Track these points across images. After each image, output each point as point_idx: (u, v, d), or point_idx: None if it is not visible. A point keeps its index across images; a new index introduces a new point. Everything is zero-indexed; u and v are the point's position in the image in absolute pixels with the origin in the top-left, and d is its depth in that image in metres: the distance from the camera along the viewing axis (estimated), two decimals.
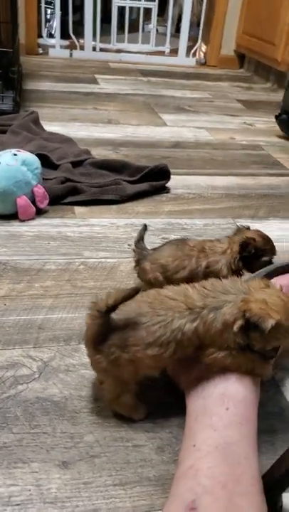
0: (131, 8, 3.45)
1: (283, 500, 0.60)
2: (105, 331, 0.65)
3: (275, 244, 1.18)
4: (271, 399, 0.76)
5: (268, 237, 0.95)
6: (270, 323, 0.60)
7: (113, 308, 0.64)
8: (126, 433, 0.67)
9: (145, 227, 0.97)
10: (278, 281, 0.78)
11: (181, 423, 0.69)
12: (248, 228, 0.97)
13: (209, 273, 0.91)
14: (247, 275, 0.89)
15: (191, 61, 3.41)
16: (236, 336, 0.63)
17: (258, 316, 0.61)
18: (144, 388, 0.74)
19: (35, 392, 0.72)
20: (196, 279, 0.91)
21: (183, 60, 3.38)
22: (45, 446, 0.64)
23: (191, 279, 0.92)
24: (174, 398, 0.73)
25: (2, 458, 0.62)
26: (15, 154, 1.17)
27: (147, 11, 3.36)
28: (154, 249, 0.94)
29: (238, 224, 1.01)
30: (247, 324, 0.62)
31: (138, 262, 0.93)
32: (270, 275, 0.79)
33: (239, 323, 0.62)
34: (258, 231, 0.96)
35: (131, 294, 0.65)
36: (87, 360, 0.78)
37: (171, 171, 1.47)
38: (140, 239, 0.94)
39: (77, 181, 1.33)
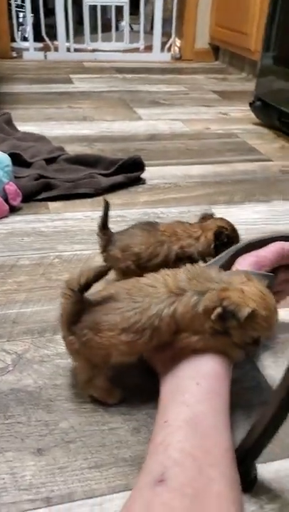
0: (105, 8, 3.46)
1: (259, 470, 0.61)
2: (79, 310, 0.65)
3: (251, 227, 1.19)
4: (247, 375, 0.76)
5: (233, 225, 0.96)
6: (246, 311, 0.60)
7: (86, 287, 0.65)
8: (102, 417, 0.67)
9: (107, 207, 0.90)
10: (246, 258, 0.78)
11: (157, 405, 0.69)
12: (211, 215, 0.97)
13: (181, 256, 0.91)
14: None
15: (166, 56, 3.42)
16: (214, 323, 0.63)
17: (234, 304, 0.61)
18: (121, 372, 0.74)
19: (9, 384, 0.72)
20: (169, 263, 0.91)
21: (158, 56, 3.39)
22: (20, 435, 0.64)
23: (164, 265, 0.93)
24: (150, 381, 0.73)
25: None
26: None
27: (121, 10, 3.36)
28: (120, 234, 0.93)
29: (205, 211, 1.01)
30: (224, 312, 0.62)
31: (105, 248, 0.92)
32: (238, 253, 0.79)
33: (218, 310, 0.62)
34: (224, 219, 0.96)
35: (102, 272, 0.66)
36: (62, 350, 0.78)
37: (147, 162, 1.47)
38: (104, 223, 0.91)
39: (50, 177, 1.33)
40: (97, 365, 0.66)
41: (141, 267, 0.90)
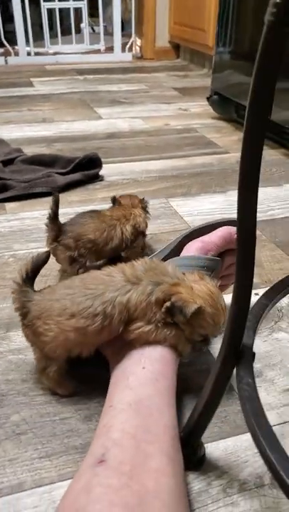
0: (64, 11, 3.45)
1: (208, 449, 0.62)
2: (26, 302, 0.65)
3: (207, 217, 1.21)
4: (199, 358, 0.77)
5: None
6: (192, 307, 0.61)
7: (30, 277, 0.66)
8: (53, 408, 0.68)
9: (57, 199, 0.90)
10: (193, 243, 0.80)
11: None
12: (115, 196, 1.02)
13: (136, 234, 0.97)
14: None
15: (128, 56, 3.43)
16: (164, 315, 0.63)
17: (182, 300, 0.62)
18: (73, 361, 0.75)
19: None
20: (126, 244, 0.96)
21: (119, 56, 3.40)
22: None
23: (120, 247, 0.96)
24: (102, 370, 0.73)
25: None
26: None
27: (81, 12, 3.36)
28: (69, 224, 0.94)
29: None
30: (172, 307, 0.62)
31: (55, 239, 0.92)
32: (186, 239, 0.81)
33: (166, 304, 0.62)
34: (131, 195, 1.05)
35: (42, 258, 0.68)
36: (14, 346, 0.79)
37: (106, 160, 1.48)
38: (55, 215, 0.91)
39: (7, 179, 1.33)
40: (50, 355, 0.66)
41: (97, 252, 0.94)
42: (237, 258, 0.44)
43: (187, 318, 0.62)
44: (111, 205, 1.02)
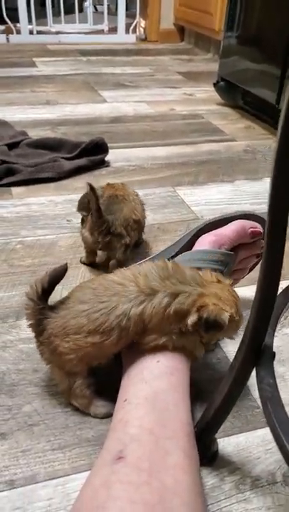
0: None
1: (221, 444, 0.62)
2: (42, 319, 0.62)
3: (215, 207, 1.20)
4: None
5: None
6: (226, 320, 0.59)
7: (45, 293, 0.62)
8: (65, 400, 0.68)
9: (94, 190, 0.87)
10: (206, 237, 0.79)
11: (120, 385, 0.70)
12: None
13: None
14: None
15: (131, 38, 3.38)
16: (192, 328, 0.61)
17: (213, 313, 0.59)
18: None
19: None
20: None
21: (123, 38, 3.35)
22: None
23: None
24: (114, 362, 0.73)
25: None
26: None
27: None
28: (106, 212, 0.90)
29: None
30: (206, 323, 0.60)
31: (108, 231, 0.89)
32: (199, 232, 0.80)
33: (193, 319, 0.60)
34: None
35: (59, 272, 0.63)
36: (25, 335, 0.78)
37: (111, 145, 1.46)
38: (100, 208, 0.88)
39: (13, 162, 1.31)
40: (71, 372, 0.64)
41: (140, 229, 0.98)
42: (264, 257, 0.44)
43: (223, 329, 0.60)
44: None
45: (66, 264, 0.65)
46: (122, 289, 0.62)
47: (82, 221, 1.00)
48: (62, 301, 0.64)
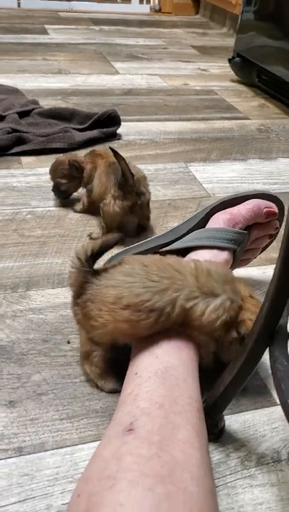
0: None
1: (227, 421, 0.63)
2: (84, 282, 0.61)
3: (227, 185, 1.19)
4: None
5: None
6: None
7: (93, 258, 0.61)
8: (74, 371, 0.68)
9: (123, 159, 0.89)
10: (220, 215, 0.78)
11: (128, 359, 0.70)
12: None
13: None
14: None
15: (145, 8, 3.30)
16: (230, 340, 0.61)
17: (250, 330, 0.57)
18: None
19: None
20: None
21: (136, 8, 3.28)
22: None
23: None
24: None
25: None
26: None
27: None
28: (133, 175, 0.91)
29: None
30: (238, 334, 0.60)
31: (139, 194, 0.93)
32: (213, 211, 0.79)
33: (235, 335, 0.60)
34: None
35: (113, 241, 0.62)
36: (34, 305, 0.78)
37: (123, 118, 1.44)
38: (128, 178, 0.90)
39: (24, 131, 1.30)
40: (95, 341, 0.63)
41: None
42: (284, 236, 0.43)
43: None
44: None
45: (120, 234, 0.64)
46: (179, 276, 0.59)
47: (61, 192, 1.04)
48: (107, 270, 0.62)
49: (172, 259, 0.63)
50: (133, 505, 0.42)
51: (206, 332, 0.60)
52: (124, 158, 0.88)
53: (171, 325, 0.59)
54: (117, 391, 0.64)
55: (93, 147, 1.32)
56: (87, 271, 0.61)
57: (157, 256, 0.64)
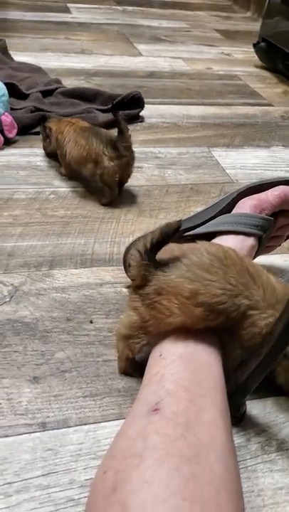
0: None
1: (248, 406, 0.63)
2: (148, 276, 0.58)
3: (250, 172, 1.18)
4: None
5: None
6: None
7: (154, 250, 0.59)
8: (96, 350, 0.69)
9: (121, 117, 0.97)
10: (247, 201, 0.78)
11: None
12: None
13: None
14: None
15: None
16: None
17: None
18: (117, 309, 0.75)
19: (5, 314, 0.72)
20: None
21: None
22: (16, 363, 0.65)
23: None
24: None
25: None
26: None
27: None
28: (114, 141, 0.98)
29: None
30: None
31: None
32: (240, 196, 0.79)
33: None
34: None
35: (172, 228, 0.59)
36: (58, 284, 0.79)
37: (146, 100, 1.43)
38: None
39: (47, 111, 1.29)
40: (150, 330, 0.60)
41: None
42: None
43: None
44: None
45: (180, 220, 0.60)
46: (253, 286, 0.57)
47: (48, 154, 1.12)
48: (173, 260, 0.59)
49: (251, 263, 0.60)
50: (160, 483, 0.42)
51: (245, 340, 0.58)
52: (118, 113, 0.97)
53: (225, 325, 0.58)
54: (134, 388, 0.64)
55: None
56: (148, 264, 0.58)
57: (233, 251, 0.61)
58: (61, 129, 1.04)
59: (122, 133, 0.96)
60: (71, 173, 1.05)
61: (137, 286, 0.60)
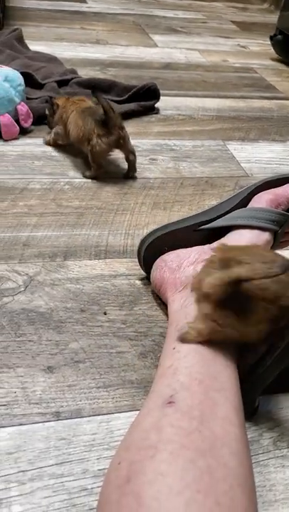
0: None
1: (261, 402, 0.63)
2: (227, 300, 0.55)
3: (265, 166, 1.17)
4: None
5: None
6: None
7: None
8: (110, 341, 0.69)
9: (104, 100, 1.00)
10: (263, 195, 0.77)
11: (163, 333, 0.71)
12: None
13: None
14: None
15: None
16: None
17: None
18: (130, 301, 0.76)
19: (20, 303, 0.73)
20: None
21: None
22: (31, 352, 0.66)
23: None
24: (158, 312, 0.74)
25: None
26: None
27: None
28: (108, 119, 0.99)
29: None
30: None
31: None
32: (256, 190, 0.78)
33: None
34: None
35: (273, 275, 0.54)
36: (72, 275, 0.79)
37: (161, 92, 1.42)
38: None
39: None
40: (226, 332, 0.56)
41: None
42: None
43: None
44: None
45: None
46: None
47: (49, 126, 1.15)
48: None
49: None
50: (174, 475, 0.42)
51: None
52: (101, 95, 0.99)
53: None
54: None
55: (131, 120, 1.32)
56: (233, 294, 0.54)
57: None
58: (66, 108, 1.07)
59: (106, 113, 0.98)
60: (54, 145, 1.14)
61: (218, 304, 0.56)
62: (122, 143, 1.02)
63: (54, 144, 1.13)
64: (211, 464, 0.44)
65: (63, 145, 1.13)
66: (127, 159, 1.06)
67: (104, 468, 0.53)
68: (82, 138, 1.02)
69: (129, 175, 1.07)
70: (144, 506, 0.40)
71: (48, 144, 1.14)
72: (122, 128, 1.01)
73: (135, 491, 0.42)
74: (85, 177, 1.05)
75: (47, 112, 1.15)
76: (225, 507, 0.41)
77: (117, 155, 1.09)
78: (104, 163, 1.05)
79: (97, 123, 0.99)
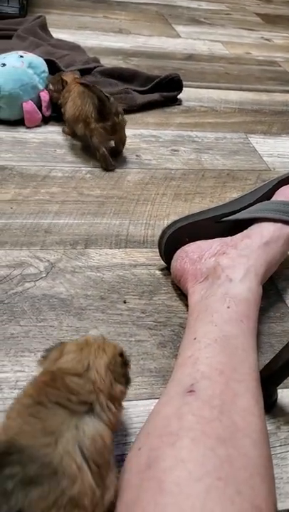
0: None
1: (279, 395, 0.63)
2: None
3: (288, 160, 1.17)
4: (272, 305, 0.77)
5: None
6: None
7: None
8: (129, 329, 0.69)
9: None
10: (287, 189, 0.77)
11: (183, 323, 0.71)
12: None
13: None
14: None
15: None
16: None
17: None
18: (149, 291, 0.76)
19: (42, 289, 0.73)
20: None
21: None
22: (52, 338, 0.66)
23: None
24: (177, 302, 0.74)
25: (9, 347, 0.64)
26: (21, 56, 1.13)
27: None
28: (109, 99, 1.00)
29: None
30: None
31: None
32: (280, 183, 0.78)
33: None
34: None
35: None
36: (92, 263, 0.80)
37: (184, 83, 1.41)
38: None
39: None
40: None
41: None
42: None
43: None
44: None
45: None
46: None
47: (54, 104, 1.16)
48: None
49: None
50: (195, 462, 0.43)
51: None
52: (94, 85, 1.00)
53: None
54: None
55: (153, 110, 1.31)
56: None
57: None
58: (70, 88, 1.08)
59: (101, 101, 0.98)
60: (72, 131, 1.10)
61: None
62: (118, 129, 1.03)
63: (71, 135, 1.13)
64: (232, 452, 0.44)
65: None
66: (115, 146, 1.07)
67: (123, 454, 0.54)
68: (77, 117, 1.01)
69: (106, 164, 1.04)
70: (166, 491, 0.41)
71: (66, 133, 1.14)
72: (118, 114, 1.01)
73: (156, 476, 0.43)
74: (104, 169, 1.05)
75: (51, 87, 1.15)
76: (246, 496, 0.41)
77: (137, 145, 1.09)
78: (107, 149, 1.04)
79: (95, 107, 0.99)
